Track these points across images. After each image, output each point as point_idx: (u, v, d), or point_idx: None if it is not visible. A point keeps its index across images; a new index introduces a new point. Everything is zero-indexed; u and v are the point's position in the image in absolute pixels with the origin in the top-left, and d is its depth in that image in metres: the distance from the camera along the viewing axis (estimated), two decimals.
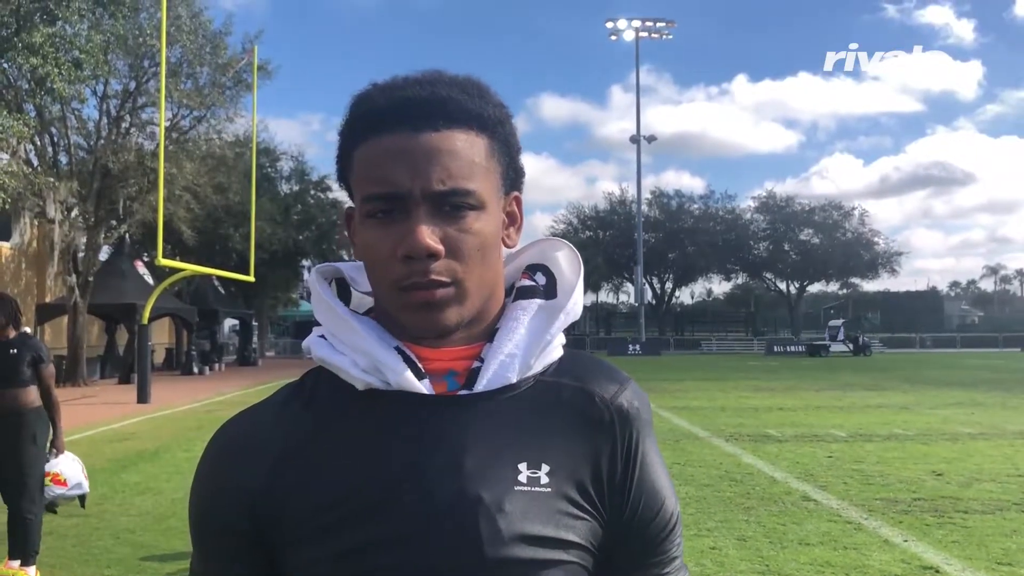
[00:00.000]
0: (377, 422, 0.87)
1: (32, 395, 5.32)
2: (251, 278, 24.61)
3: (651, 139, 55.68)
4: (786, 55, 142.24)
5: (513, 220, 0.94)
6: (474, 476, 0.83)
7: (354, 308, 0.94)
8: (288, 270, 44.75)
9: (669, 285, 67.18)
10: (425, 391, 0.87)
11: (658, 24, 53.76)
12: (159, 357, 32.37)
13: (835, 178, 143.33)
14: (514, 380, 0.89)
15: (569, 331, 0.96)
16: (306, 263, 47.29)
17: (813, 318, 75.72)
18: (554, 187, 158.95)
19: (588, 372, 0.94)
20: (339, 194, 42.89)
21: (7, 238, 27.46)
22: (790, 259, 63.80)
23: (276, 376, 27.14)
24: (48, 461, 5.48)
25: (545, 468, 0.86)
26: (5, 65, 20.36)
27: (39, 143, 23.41)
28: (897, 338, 57.19)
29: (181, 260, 26.66)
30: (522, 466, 0.85)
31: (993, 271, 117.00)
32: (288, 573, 0.87)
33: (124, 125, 25.36)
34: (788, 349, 48.36)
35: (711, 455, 10.21)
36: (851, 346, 45.35)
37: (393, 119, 0.85)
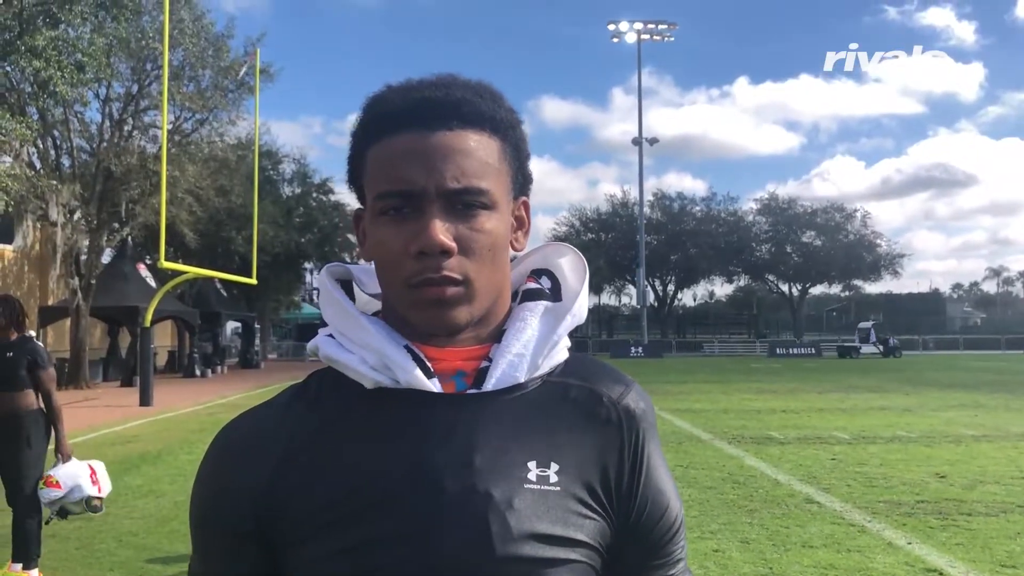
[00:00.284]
0: (385, 420, 0.87)
1: (28, 399, 5.30)
2: (253, 281, 24.65)
3: (653, 141, 55.67)
4: (787, 57, 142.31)
5: (521, 224, 0.95)
6: (484, 473, 0.84)
7: (360, 309, 0.94)
8: (290, 273, 44.78)
9: (671, 287, 67.23)
10: (435, 389, 0.87)
11: (660, 26, 53.82)
12: (161, 360, 32.37)
13: (836, 180, 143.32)
14: (522, 380, 0.89)
15: (572, 334, 0.97)
16: (308, 266, 47.33)
17: (815, 320, 75.74)
18: (556, 189, 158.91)
19: (594, 374, 0.95)
20: (341, 196, 43.05)
21: (10, 241, 27.51)
22: (792, 261, 63.80)
23: (278, 378, 27.14)
24: (55, 466, 5.45)
25: (554, 467, 0.87)
26: (8, 68, 20.38)
27: (42, 146, 23.46)
28: (899, 340, 57.13)
29: (183, 263, 26.68)
30: (531, 464, 0.86)
31: (995, 273, 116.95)
32: (292, 572, 0.86)
33: (126, 128, 25.40)
34: (791, 351, 48.35)
35: (714, 457, 10.20)
36: (881, 348, 45.43)
37: (407, 119, 0.86)
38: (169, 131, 22.38)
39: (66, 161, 24.53)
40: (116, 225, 25.91)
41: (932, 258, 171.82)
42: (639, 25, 53.30)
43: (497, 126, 0.89)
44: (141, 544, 6.28)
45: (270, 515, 0.86)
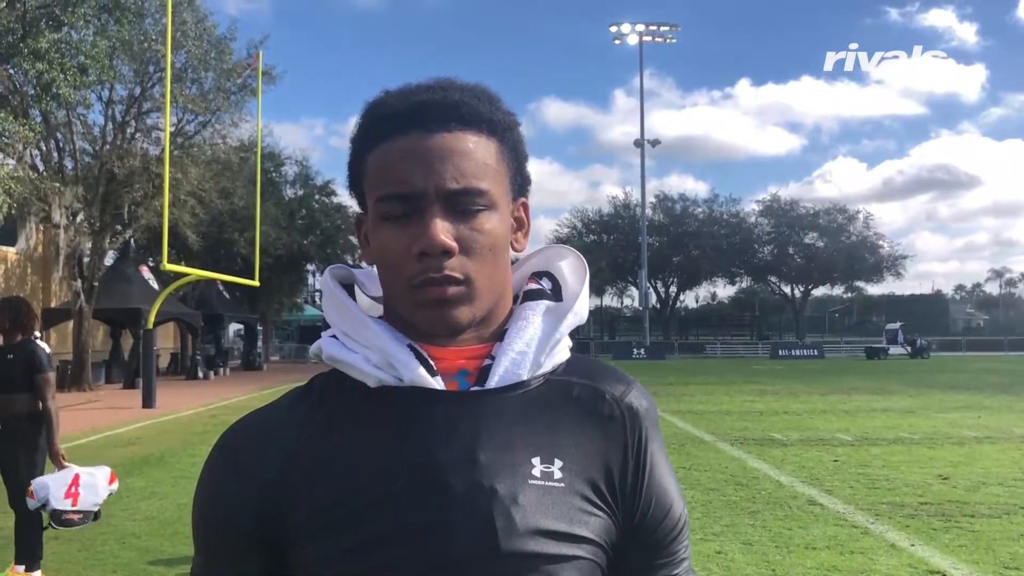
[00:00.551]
0: (389, 418, 0.87)
1: (26, 402, 5.29)
2: (256, 283, 24.67)
3: (655, 143, 55.71)
4: (789, 59, 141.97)
5: (521, 225, 0.96)
6: (488, 469, 0.84)
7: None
8: (293, 275, 44.78)
9: (673, 289, 67.26)
10: (438, 387, 0.88)
11: (662, 28, 53.85)
12: (164, 362, 32.39)
13: (839, 181, 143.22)
14: (525, 377, 0.90)
15: (574, 335, 0.97)
16: (311, 267, 47.34)
17: (818, 321, 75.66)
18: (558, 191, 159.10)
19: (596, 372, 0.95)
20: (343, 198, 42.99)
21: (13, 243, 27.55)
22: (794, 262, 63.79)
23: (281, 380, 27.15)
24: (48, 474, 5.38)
25: (558, 464, 0.87)
26: (11, 71, 20.41)
27: (45, 148, 23.49)
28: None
29: (186, 265, 26.68)
30: (535, 460, 0.86)
31: (998, 274, 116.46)
32: (297, 573, 0.87)
33: (129, 130, 25.42)
34: (793, 353, 48.29)
35: (716, 459, 10.19)
36: (909, 349, 45.40)
37: (406, 122, 0.87)
38: (172, 133, 22.39)
39: (69, 163, 24.55)
40: (119, 227, 25.93)
41: (934, 259, 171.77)
42: (641, 27, 53.35)
43: (495, 128, 0.90)
44: (143, 546, 6.28)
45: (275, 515, 0.86)
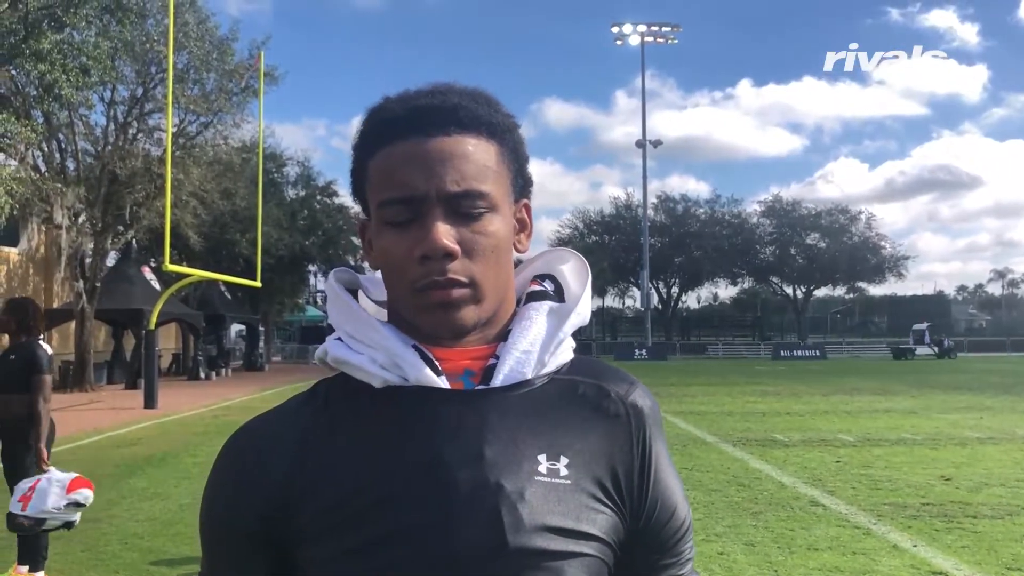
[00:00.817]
0: (394, 417, 0.88)
1: (27, 403, 5.28)
2: (258, 283, 24.68)
3: (657, 143, 55.69)
4: (790, 59, 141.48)
5: (523, 227, 0.97)
6: (494, 466, 0.84)
7: None
8: (294, 275, 44.77)
9: (675, 289, 67.23)
10: (443, 386, 0.88)
11: (663, 28, 53.79)
12: (165, 362, 32.41)
13: (840, 182, 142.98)
14: (530, 376, 0.90)
15: (576, 336, 0.98)
16: (312, 268, 47.37)
17: (819, 322, 75.59)
18: (559, 192, 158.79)
19: (600, 372, 0.96)
20: (345, 199, 43.05)
21: (15, 244, 27.57)
22: (796, 263, 63.77)
23: (282, 381, 27.18)
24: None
25: (564, 461, 0.87)
26: (13, 71, 20.44)
27: (47, 149, 23.51)
28: (903, 342, 56.97)
29: (188, 265, 26.69)
30: (541, 457, 0.87)
31: (1000, 275, 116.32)
32: (305, 573, 0.87)
33: (131, 131, 25.44)
34: (795, 353, 48.25)
35: (718, 460, 10.18)
36: (936, 349, 45.33)
37: (406, 127, 0.88)
38: (173, 134, 22.41)
39: (71, 164, 24.56)
40: (121, 228, 25.95)
41: (936, 260, 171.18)
42: (642, 27, 53.30)
43: (494, 130, 0.91)
44: (146, 547, 6.29)
45: (279, 517, 0.87)
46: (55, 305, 27.58)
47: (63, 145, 24.32)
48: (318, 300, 60.18)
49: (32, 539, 5.27)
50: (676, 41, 54.79)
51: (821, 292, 70.23)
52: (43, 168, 23.17)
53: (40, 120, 21.81)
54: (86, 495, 5.08)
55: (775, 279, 66.62)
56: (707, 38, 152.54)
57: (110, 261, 27.22)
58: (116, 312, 25.92)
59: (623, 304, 77.38)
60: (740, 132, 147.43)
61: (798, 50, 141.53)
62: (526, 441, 0.87)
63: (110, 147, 24.72)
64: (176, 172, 22.24)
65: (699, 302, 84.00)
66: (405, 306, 0.89)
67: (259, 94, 25.11)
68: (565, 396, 0.92)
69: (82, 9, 20.18)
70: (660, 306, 64.75)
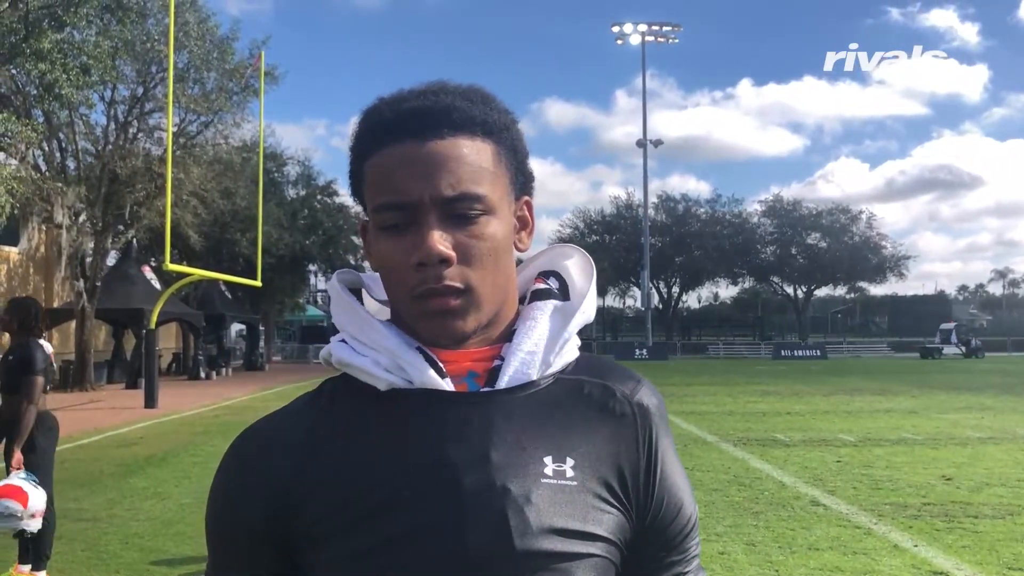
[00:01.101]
0: (399, 419, 0.87)
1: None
2: (258, 283, 24.67)
3: (657, 143, 55.62)
4: (791, 59, 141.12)
5: (524, 224, 0.96)
6: (501, 469, 0.84)
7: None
8: (295, 275, 44.76)
9: (676, 289, 67.14)
10: (448, 388, 0.87)
11: (664, 28, 53.76)
12: (166, 362, 32.42)
13: (841, 182, 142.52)
14: (535, 377, 0.90)
15: (579, 335, 0.96)
16: (313, 268, 47.35)
17: (820, 322, 75.57)
18: (560, 192, 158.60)
19: (606, 371, 0.95)
20: (345, 198, 43.03)
21: (15, 243, 27.58)
22: (797, 263, 63.71)
23: (283, 381, 27.19)
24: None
25: (570, 462, 0.87)
26: (13, 71, 20.44)
27: (47, 148, 23.51)
28: (905, 343, 56.97)
29: (188, 265, 26.71)
30: (547, 459, 0.86)
31: (1001, 275, 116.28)
32: (309, 574, 0.87)
33: (132, 130, 25.44)
34: (796, 353, 48.22)
35: (719, 459, 10.18)
36: (964, 348, 45.32)
37: (399, 130, 0.87)
38: (174, 133, 22.39)
39: (71, 164, 24.57)
40: (121, 227, 25.96)
41: (937, 260, 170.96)
42: (643, 27, 53.24)
43: (490, 129, 0.89)
44: (147, 546, 6.28)
45: (284, 518, 0.86)
46: (55, 305, 27.58)
47: (63, 144, 24.32)
48: (318, 300, 60.21)
49: (36, 539, 5.27)
50: (676, 41, 54.78)
51: (822, 292, 70.24)
52: (43, 167, 23.17)
53: (40, 119, 21.80)
54: (5, 505, 4.89)
55: (776, 279, 66.56)
56: (707, 38, 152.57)
57: (110, 261, 27.22)
58: (116, 312, 25.92)
59: (624, 304, 77.43)
60: (740, 132, 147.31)
61: (798, 50, 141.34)
62: (532, 443, 0.86)
63: (110, 146, 24.72)
64: (176, 171, 22.23)
65: (700, 302, 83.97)
66: (405, 312, 0.88)
67: (259, 93, 25.10)
68: (571, 396, 0.91)
69: (82, 8, 20.18)
70: (661, 306, 64.71)
